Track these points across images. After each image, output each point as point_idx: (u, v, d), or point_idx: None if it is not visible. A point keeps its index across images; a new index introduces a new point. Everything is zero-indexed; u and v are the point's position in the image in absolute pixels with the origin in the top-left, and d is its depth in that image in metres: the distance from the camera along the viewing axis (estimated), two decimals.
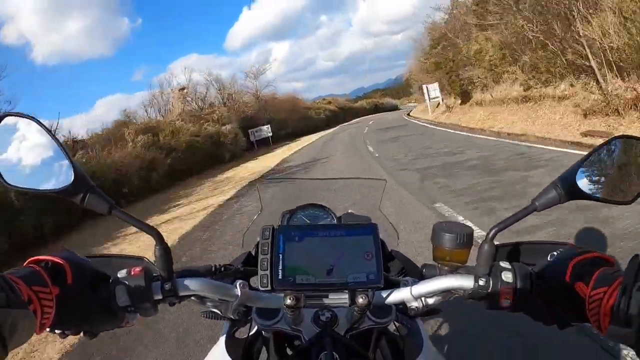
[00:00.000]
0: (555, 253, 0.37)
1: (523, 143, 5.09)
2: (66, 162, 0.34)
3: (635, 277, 0.28)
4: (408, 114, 23.63)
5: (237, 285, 0.38)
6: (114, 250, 3.42)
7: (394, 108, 47.17)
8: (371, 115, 33.07)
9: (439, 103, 16.50)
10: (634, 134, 0.40)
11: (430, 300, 0.40)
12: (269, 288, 0.36)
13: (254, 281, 0.40)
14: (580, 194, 0.36)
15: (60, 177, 0.34)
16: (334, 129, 21.70)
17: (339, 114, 29.23)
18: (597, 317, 0.31)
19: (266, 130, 15.52)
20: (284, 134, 18.91)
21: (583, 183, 0.37)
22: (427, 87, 15.73)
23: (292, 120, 20.49)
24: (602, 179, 0.39)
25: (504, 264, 0.36)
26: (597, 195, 0.37)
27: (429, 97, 15.80)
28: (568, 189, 0.36)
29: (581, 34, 5.12)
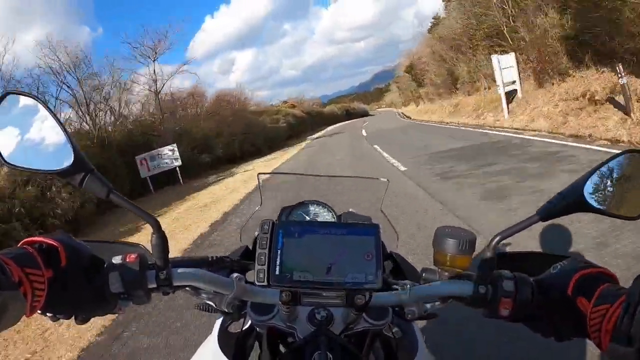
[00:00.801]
0: (558, 265, 0.70)
1: None
2: (67, 143, 0.66)
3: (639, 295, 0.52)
4: (405, 116, 37.50)
5: (233, 279, 0.72)
6: None
7: (366, 113, 78.67)
8: (349, 122, 48.93)
9: (514, 93, 15.63)
10: None
11: (428, 305, 0.75)
12: (265, 283, 0.69)
13: (250, 275, 0.75)
14: (586, 207, 0.69)
15: (60, 158, 0.65)
16: (302, 146, 22.88)
17: (306, 121, 40.67)
18: (597, 333, 0.57)
19: (170, 157, 15.01)
20: (210, 161, 18.33)
21: (590, 196, 0.69)
22: (498, 60, 15.03)
23: (232, 133, 21.70)
24: (610, 192, 0.72)
25: (505, 273, 0.70)
26: (604, 209, 0.71)
27: (502, 82, 14.98)
28: (574, 201, 0.69)
29: None
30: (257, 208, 1.10)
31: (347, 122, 50.69)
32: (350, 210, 1.11)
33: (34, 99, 0.69)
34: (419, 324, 0.90)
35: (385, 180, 1.12)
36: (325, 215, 1.07)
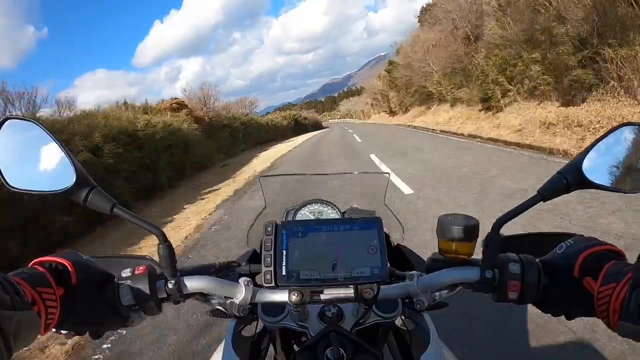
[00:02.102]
0: (563, 245, 0.71)
1: None
2: (68, 163, 0.69)
3: None
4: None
5: (242, 283, 0.74)
6: None
7: (318, 124, 58.18)
8: (307, 143, 23.62)
9: None
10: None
11: (437, 294, 0.76)
12: (272, 284, 0.71)
13: (259, 278, 0.76)
14: (587, 183, 0.70)
15: (63, 177, 0.69)
16: None
17: (189, 146, 14.29)
18: (606, 313, 0.59)
19: None
20: None
21: (590, 172, 0.71)
22: None
23: None
24: (610, 167, 0.73)
25: (511, 256, 0.71)
26: (605, 184, 0.71)
27: None
28: (574, 178, 0.70)
29: None
30: (261, 211, 1.12)
31: (298, 141, 26.67)
32: (355, 206, 1.13)
33: (33, 122, 0.71)
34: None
35: (386, 174, 1.13)
36: (329, 213, 1.08)
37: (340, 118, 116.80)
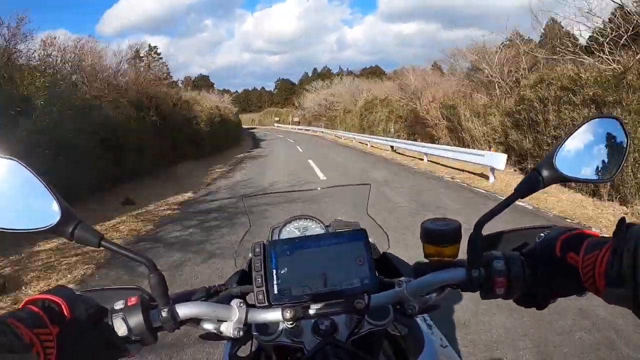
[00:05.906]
0: (542, 235, 0.74)
1: None
2: (51, 199, 0.68)
3: (625, 238, 0.56)
4: None
5: (234, 305, 0.73)
6: None
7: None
8: None
9: None
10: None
11: (427, 297, 0.77)
12: (265, 304, 0.71)
13: (251, 298, 0.76)
14: (560, 177, 0.73)
15: (47, 214, 0.68)
16: None
17: None
18: (592, 280, 0.61)
19: None
20: None
21: (562, 166, 0.74)
22: None
23: None
24: (581, 159, 0.76)
25: (494, 254, 0.73)
26: (577, 176, 0.75)
27: None
28: (548, 173, 0.73)
29: None
30: (246, 231, 1.11)
31: None
32: (338, 218, 1.14)
33: (14, 160, 0.70)
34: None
35: (368, 184, 1.15)
36: (314, 228, 1.09)
37: (299, 124, 58.98)
